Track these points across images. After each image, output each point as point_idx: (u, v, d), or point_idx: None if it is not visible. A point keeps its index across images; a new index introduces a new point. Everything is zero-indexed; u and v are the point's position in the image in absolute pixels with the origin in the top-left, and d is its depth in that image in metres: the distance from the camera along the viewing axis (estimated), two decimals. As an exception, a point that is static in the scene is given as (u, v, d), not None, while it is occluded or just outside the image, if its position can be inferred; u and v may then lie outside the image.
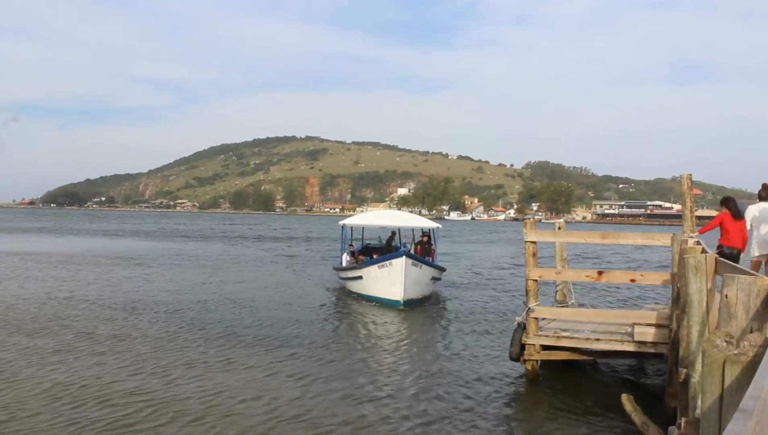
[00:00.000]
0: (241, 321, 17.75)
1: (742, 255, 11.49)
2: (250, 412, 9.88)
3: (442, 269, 24.17)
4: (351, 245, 26.62)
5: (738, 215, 11.64)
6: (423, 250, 24.52)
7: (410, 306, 20.25)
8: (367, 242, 29.05)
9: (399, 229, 28.44)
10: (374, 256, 23.51)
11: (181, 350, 14.01)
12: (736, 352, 2.57)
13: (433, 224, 26.19)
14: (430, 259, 23.99)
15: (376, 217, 29.88)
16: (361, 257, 25.08)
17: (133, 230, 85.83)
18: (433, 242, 25.39)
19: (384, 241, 28.15)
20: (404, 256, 20.09)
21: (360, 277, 21.87)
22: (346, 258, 25.39)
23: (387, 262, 20.30)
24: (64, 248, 46.39)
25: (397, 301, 20.09)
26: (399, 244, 27.57)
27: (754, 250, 11.47)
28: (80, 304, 19.96)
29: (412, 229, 27.93)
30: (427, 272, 21.76)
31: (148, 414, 9.69)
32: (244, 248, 52.31)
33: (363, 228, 28.75)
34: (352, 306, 21.38)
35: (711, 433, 2.63)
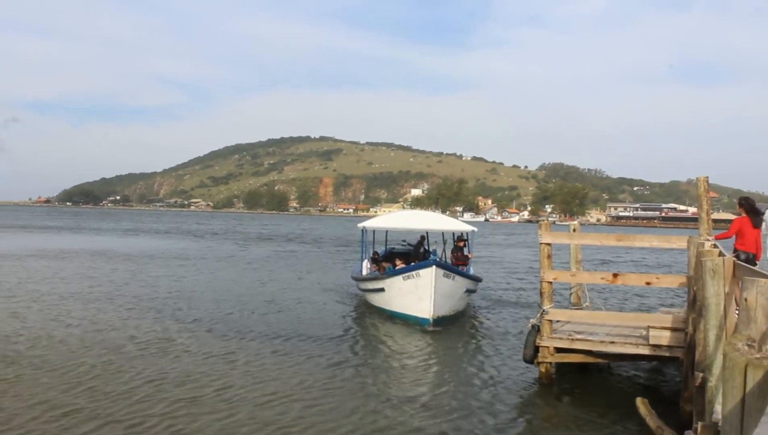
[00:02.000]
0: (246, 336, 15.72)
1: (757, 262, 11.42)
2: None
3: (477, 280, 21.11)
4: (375, 253, 23.30)
5: (757, 224, 11.65)
6: (457, 257, 21.65)
7: (441, 324, 17.37)
8: (392, 247, 25.60)
9: (427, 233, 25.21)
10: (398, 265, 19.99)
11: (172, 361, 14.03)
12: (758, 356, 2.53)
13: (467, 227, 22.46)
14: (464, 269, 20.88)
15: (401, 219, 24.98)
16: (384, 265, 21.47)
17: (165, 229, 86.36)
18: (468, 248, 22.47)
19: (412, 246, 25.19)
20: (434, 266, 17.20)
21: (382, 290, 18.89)
22: (366, 265, 22.06)
23: (413, 273, 17.49)
24: (94, 246, 46.76)
25: (425, 320, 17.28)
26: (428, 250, 24.12)
27: None
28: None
29: (442, 233, 24.43)
30: (460, 284, 18.73)
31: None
32: (258, 249, 52.41)
33: (386, 231, 25.22)
34: (370, 324, 18.34)
35: (733, 438, 2.59)
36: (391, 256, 23.31)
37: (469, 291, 19.97)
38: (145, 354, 13.44)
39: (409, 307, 17.71)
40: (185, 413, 9.76)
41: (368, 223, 22.51)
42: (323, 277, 30.27)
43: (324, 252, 49.17)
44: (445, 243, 24.43)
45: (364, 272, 21.78)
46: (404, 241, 26.31)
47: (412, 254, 23.49)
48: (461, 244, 22.13)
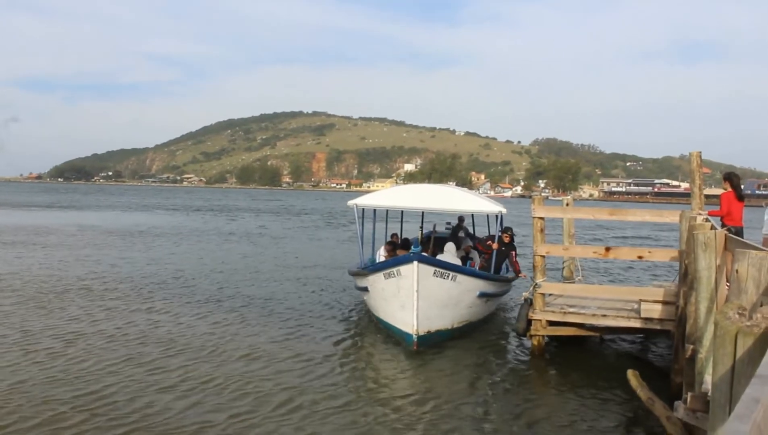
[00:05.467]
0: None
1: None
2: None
3: (505, 281, 15.45)
4: (395, 235, 17.32)
5: (741, 197, 11.87)
6: (500, 252, 15.36)
7: (433, 343, 12.62)
8: (430, 231, 19.93)
9: (472, 216, 20.22)
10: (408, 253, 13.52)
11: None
12: (748, 323, 2.57)
13: (491, 207, 15.81)
14: (507, 267, 15.80)
15: (402, 195, 17.64)
16: (401, 252, 14.72)
17: (172, 205, 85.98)
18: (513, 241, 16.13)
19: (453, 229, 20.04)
20: (416, 262, 12.13)
21: (366, 289, 14.37)
22: (382, 253, 16.42)
23: (394, 269, 12.63)
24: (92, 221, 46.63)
25: (407, 336, 12.46)
26: (468, 237, 19.44)
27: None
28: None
29: (471, 215, 20.14)
30: (468, 286, 13.29)
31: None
32: (244, 223, 52.32)
33: (387, 211, 19.01)
34: (354, 335, 13.96)
35: (722, 404, 2.64)
36: (422, 241, 17.76)
37: (489, 295, 14.35)
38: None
39: (392, 316, 13.06)
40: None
41: (361, 201, 16.35)
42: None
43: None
44: (472, 228, 20.23)
45: (379, 260, 16.11)
46: (449, 223, 20.65)
47: (449, 240, 17.30)
48: (506, 237, 15.54)
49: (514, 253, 15.71)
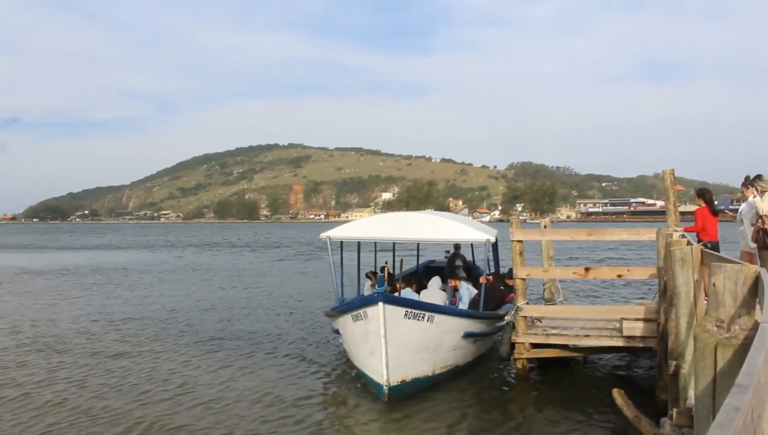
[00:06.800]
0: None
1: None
2: None
3: (496, 318, 13.31)
4: (385, 265, 14.31)
5: (715, 212, 12.12)
6: (493, 289, 14.01)
7: (406, 394, 11.01)
8: (430, 260, 19.55)
9: (472, 245, 17.30)
10: (399, 288, 13.30)
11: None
12: (727, 335, 2.61)
13: (477, 235, 14.08)
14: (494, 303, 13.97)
15: (379, 224, 15.85)
16: (400, 286, 13.48)
17: (147, 242, 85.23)
18: (486, 268, 14.86)
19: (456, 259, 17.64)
20: (381, 303, 10.56)
21: (338, 332, 12.93)
22: (368, 287, 15.30)
23: (361, 311, 11.02)
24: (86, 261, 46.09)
25: (378, 387, 10.87)
26: (466, 265, 17.47)
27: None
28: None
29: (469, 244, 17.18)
30: (449, 327, 11.76)
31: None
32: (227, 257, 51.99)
33: (359, 243, 16.54)
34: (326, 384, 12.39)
35: (705, 416, 2.67)
36: (414, 274, 16.49)
37: (477, 335, 12.66)
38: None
39: (364, 363, 11.43)
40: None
41: (334, 233, 14.70)
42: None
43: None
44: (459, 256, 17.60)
45: (365, 294, 14.89)
46: (448, 251, 18.27)
47: (446, 272, 16.33)
48: (486, 279, 13.63)
49: (512, 295, 13.02)
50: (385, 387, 10.64)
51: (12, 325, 18.51)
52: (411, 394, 11.00)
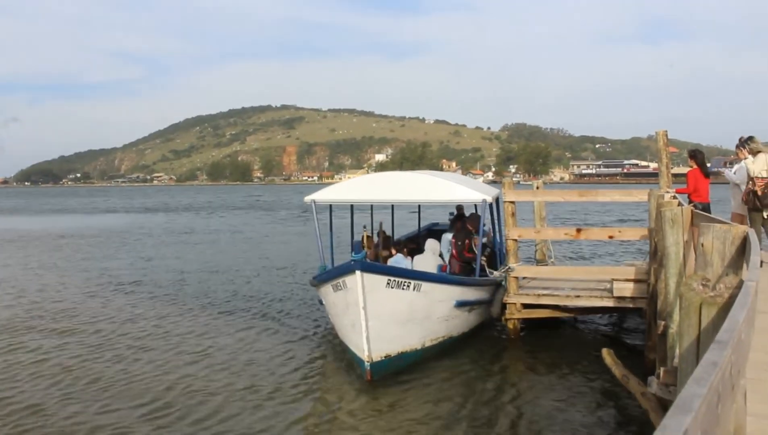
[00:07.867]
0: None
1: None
2: None
3: (491, 284, 12.48)
4: (380, 225, 13.88)
5: (707, 174, 12.13)
6: (467, 249, 12.94)
7: (390, 370, 10.15)
8: (431, 223, 18.29)
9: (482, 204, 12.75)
10: (392, 254, 12.75)
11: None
12: (712, 294, 2.62)
13: (473, 196, 12.62)
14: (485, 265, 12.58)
15: (366, 186, 14.15)
16: (385, 253, 12.89)
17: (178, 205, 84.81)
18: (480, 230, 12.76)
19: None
20: (359, 271, 9.60)
21: (322, 303, 12.27)
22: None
23: (340, 280, 10.08)
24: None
25: (360, 363, 10.05)
26: (472, 227, 13.54)
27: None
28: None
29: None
30: (439, 295, 10.84)
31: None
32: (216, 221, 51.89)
33: (352, 205, 15.28)
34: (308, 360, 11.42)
35: (689, 374, 2.69)
36: (415, 237, 15.51)
37: (472, 304, 11.86)
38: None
39: (346, 336, 10.64)
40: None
41: (319, 195, 13.21)
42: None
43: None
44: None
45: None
46: (452, 212, 16.27)
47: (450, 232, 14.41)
48: (471, 225, 13.34)
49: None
50: (366, 363, 9.79)
51: (19, 290, 18.31)
52: (385, 372, 10.01)
